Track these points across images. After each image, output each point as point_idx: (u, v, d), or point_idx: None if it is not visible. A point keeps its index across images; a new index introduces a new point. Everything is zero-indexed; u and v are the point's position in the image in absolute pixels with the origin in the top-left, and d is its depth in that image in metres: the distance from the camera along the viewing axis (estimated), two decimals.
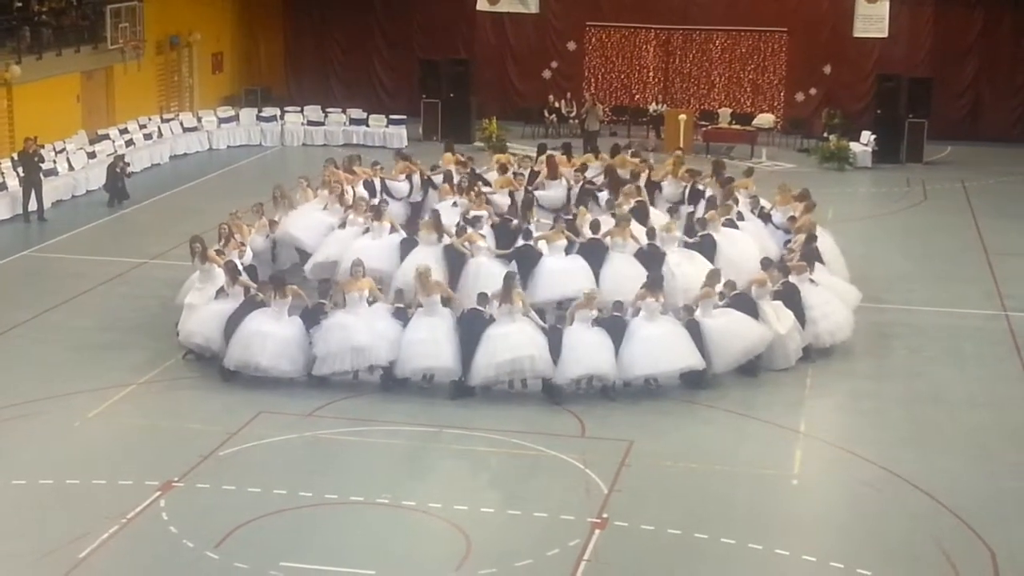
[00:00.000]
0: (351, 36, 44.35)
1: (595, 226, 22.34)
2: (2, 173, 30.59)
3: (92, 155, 33.85)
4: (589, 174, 27.24)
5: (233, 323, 19.43)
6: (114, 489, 15.81)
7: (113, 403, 18.70)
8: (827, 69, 41.53)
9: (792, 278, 21.08)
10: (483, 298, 19.41)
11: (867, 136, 38.15)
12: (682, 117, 37.28)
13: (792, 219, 24.14)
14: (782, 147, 38.35)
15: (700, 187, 25.86)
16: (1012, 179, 36.00)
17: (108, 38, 36.40)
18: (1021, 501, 16.15)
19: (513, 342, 18.89)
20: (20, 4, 34.93)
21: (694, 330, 19.54)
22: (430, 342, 19.00)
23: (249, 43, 45.00)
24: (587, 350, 19.00)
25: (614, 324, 19.36)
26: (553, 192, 26.39)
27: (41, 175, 30.25)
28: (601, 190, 25.85)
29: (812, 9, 41.47)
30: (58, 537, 14.53)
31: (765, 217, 25.17)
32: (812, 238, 22.76)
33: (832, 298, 21.53)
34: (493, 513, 15.43)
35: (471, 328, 19.09)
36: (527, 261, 21.56)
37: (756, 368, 20.18)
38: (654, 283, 19.83)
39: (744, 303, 20.19)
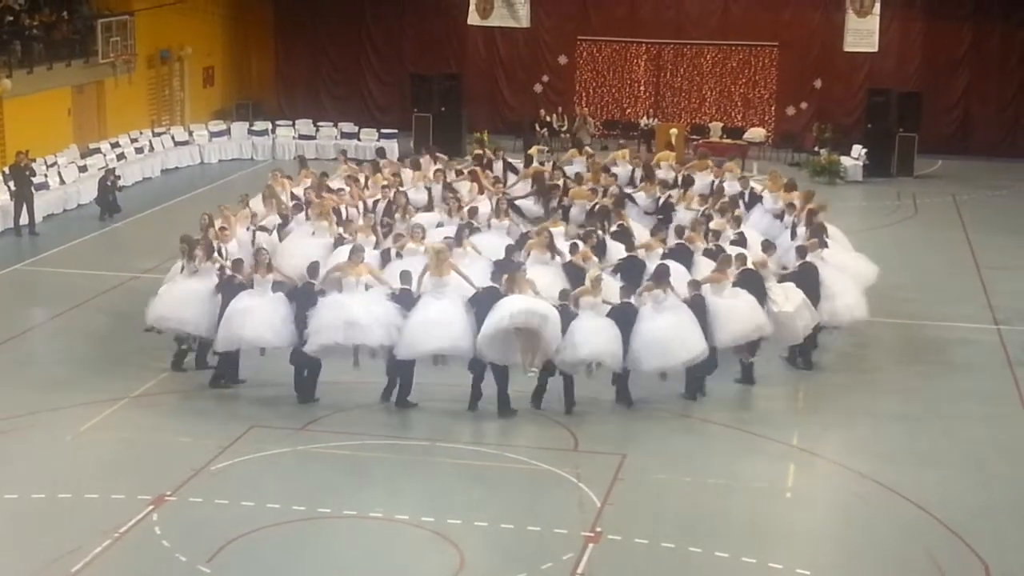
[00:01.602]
0: (342, 50, 44.41)
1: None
2: None
3: (83, 169, 33.84)
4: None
5: (221, 308, 19.33)
6: (106, 503, 15.77)
7: (105, 417, 18.65)
8: (818, 83, 41.65)
9: (809, 257, 21.32)
10: (497, 276, 19.36)
11: (858, 150, 38.27)
12: (673, 131, 37.35)
13: (791, 206, 24.36)
14: (773, 161, 38.39)
15: (672, 201, 26.06)
16: (1002, 193, 36.13)
17: (99, 52, 36.42)
18: (1014, 514, 16.17)
19: (528, 302, 18.67)
20: (11, 18, 34.89)
21: (699, 306, 19.52)
22: (440, 324, 18.81)
23: (240, 57, 45.02)
24: (591, 335, 18.84)
25: (624, 312, 19.27)
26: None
27: (32, 189, 30.21)
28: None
29: (803, 24, 41.59)
30: (50, 551, 14.48)
31: (756, 198, 25.56)
32: (813, 212, 23.23)
33: (846, 276, 21.76)
34: (486, 527, 15.40)
35: (487, 304, 18.87)
36: (633, 272, 21.00)
37: (752, 375, 20.26)
38: (661, 275, 19.75)
39: (751, 279, 20.26)
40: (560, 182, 26.73)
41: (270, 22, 45.10)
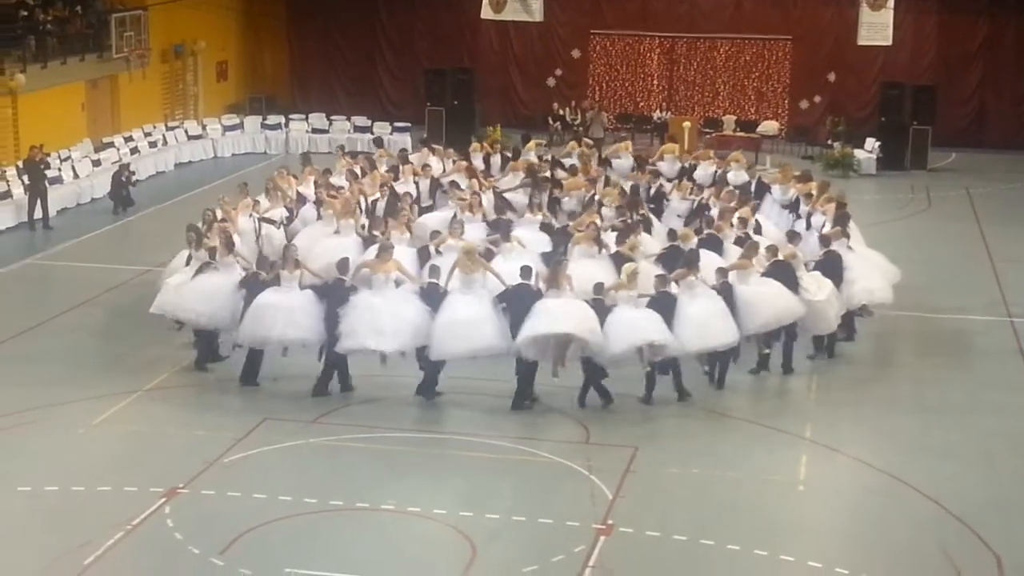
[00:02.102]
0: (355, 44, 44.44)
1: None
2: (7, 181, 30.61)
3: (97, 163, 33.93)
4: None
5: (246, 304, 19.25)
6: (119, 496, 15.80)
7: (118, 410, 18.69)
8: (831, 77, 41.62)
9: (834, 245, 21.52)
10: (527, 272, 19.23)
11: (871, 143, 38.21)
12: (686, 124, 37.27)
13: (808, 196, 24.48)
14: (786, 154, 38.31)
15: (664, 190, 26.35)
16: (1017, 186, 36.05)
17: (113, 47, 36.45)
18: None
19: (571, 309, 18.69)
20: (25, 13, 34.96)
21: (727, 293, 19.63)
22: (470, 324, 18.72)
23: (254, 51, 45.09)
24: (633, 325, 18.81)
25: (664, 301, 19.26)
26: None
27: (46, 183, 30.31)
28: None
29: (816, 17, 41.56)
30: (63, 544, 14.51)
31: (763, 187, 25.77)
32: (842, 204, 23.36)
33: (868, 264, 22.07)
34: (498, 519, 15.40)
35: (520, 301, 18.87)
36: (674, 262, 20.86)
37: (768, 363, 20.35)
38: (691, 260, 19.93)
39: (783, 270, 20.35)
40: (550, 174, 26.92)
41: (283, 16, 45.15)
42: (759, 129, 40.61)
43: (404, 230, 22.07)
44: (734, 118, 41.41)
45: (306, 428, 18.09)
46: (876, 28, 39.25)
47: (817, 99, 41.73)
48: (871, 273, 21.96)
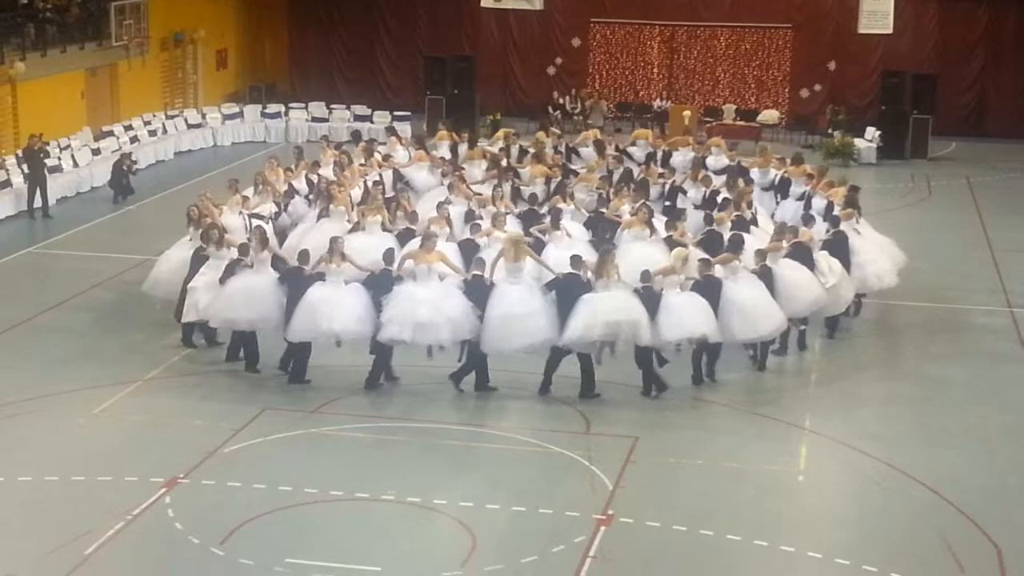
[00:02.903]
0: (355, 32, 44.41)
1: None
2: (7, 170, 30.58)
3: (97, 152, 33.90)
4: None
5: (291, 299, 19.04)
6: (119, 486, 15.81)
7: (118, 400, 18.70)
8: (832, 65, 41.61)
9: (843, 226, 21.81)
10: (577, 261, 19.22)
11: (872, 132, 38.19)
12: (686, 113, 37.30)
13: (809, 177, 25.01)
14: (786, 143, 38.27)
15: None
16: (1017, 175, 36.06)
17: (113, 35, 36.44)
18: None
19: (617, 305, 18.71)
20: (25, 1, 34.92)
21: (767, 277, 19.81)
22: (523, 317, 18.72)
23: (253, 40, 45.04)
24: (686, 316, 18.97)
25: (710, 285, 19.37)
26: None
27: (46, 172, 30.29)
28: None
29: (817, 5, 41.54)
30: (63, 533, 14.52)
31: (742, 170, 25.99)
32: (855, 187, 23.86)
33: (875, 247, 22.45)
34: (498, 509, 15.41)
35: (569, 291, 18.86)
36: (713, 245, 21.19)
37: (766, 356, 20.41)
38: (736, 244, 20.17)
39: (801, 252, 20.61)
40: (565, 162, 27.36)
41: (283, 4, 45.13)
42: (759, 118, 40.60)
43: (444, 224, 21.82)
44: (734, 107, 41.40)
45: (306, 418, 18.09)
46: (877, 16, 39.29)
47: (817, 88, 41.72)
48: (880, 257, 22.37)
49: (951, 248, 28.02)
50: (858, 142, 37.70)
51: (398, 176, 26.28)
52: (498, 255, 19.54)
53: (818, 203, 23.82)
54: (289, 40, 45.34)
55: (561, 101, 41.57)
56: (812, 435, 17.99)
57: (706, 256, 20.10)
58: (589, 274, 19.02)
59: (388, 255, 19.46)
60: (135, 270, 25.04)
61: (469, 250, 21.05)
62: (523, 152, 27.98)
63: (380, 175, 25.76)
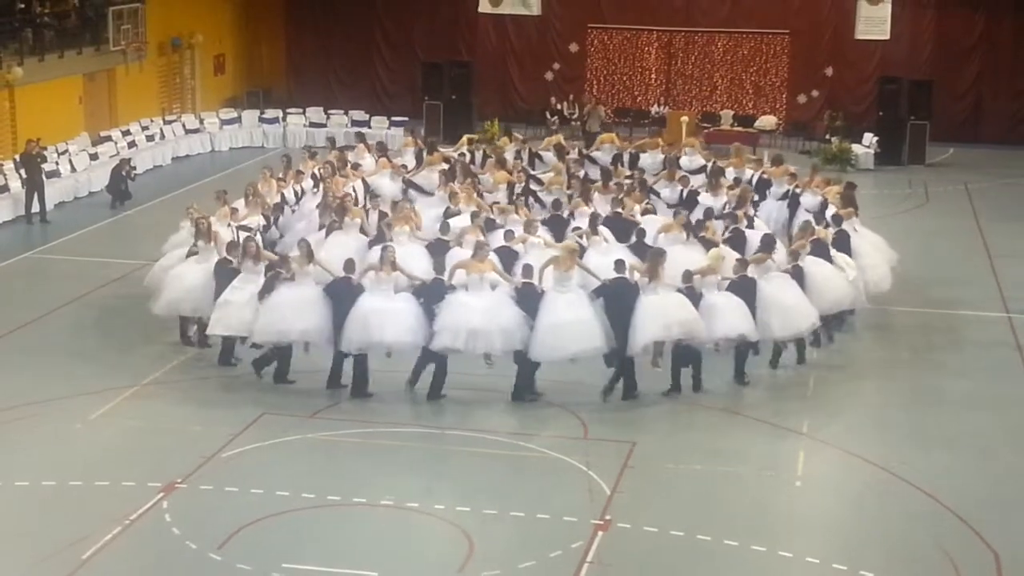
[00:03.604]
0: (353, 38, 44.39)
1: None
2: (4, 175, 30.59)
3: (94, 157, 33.89)
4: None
5: (340, 310, 18.84)
6: (117, 491, 15.80)
7: (116, 405, 18.69)
8: (829, 71, 41.63)
9: (844, 225, 22.26)
10: (621, 265, 19.35)
11: (869, 138, 38.22)
12: (684, 119, 37.30)
13: (792, 176, 25.45)
14: (784, 149, 38.24)
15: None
16: (1014, 181, 36.05)
17: (110, 40, 36.45)
18: None
19: (676, 307, 18.98)
20: (22, 6, 34.93)
21: (799, 276, 20.17)
22: (574, 325, 18.71)
23: (251, 45, 45.05)
24: (725, 312, 19.29)
25: (745, 284, 19.64)
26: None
27: (43, 177, 30.28)
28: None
29: (814, 11, 41.55)
30: (61, 539, 14.51)
31: (718, 171, 26.16)
32: (851, 184, 24.36)
33: (872, 249, 22.85)
34: (496, 515, 15.41)
35: (619, 296, 18.95)
36: (738, 245, 21.84)
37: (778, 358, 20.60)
38: (768, 244, 20.57)
39: (820, 249, 21.05)
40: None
41: (281, 9, 45.13)
42: (757, 124, 40.61)
43: (478, 234, 21.71)
44: (732, 113, 41.37)
45: (304, 423, 18.09)
46: (874, 22, 39.28)
47: (815, 94, 41.73)
48: (879, 260, 22.79)
49: (949, 254, 28.04)
50: (855, 148, 37.70)
51: (366, 185, 26.12)
52: (547, 262, 19.53)
53: (809, 200, 24.31)
54: (287, 45, 45.35)
55: (559, 107, 41.57)
56: (810, 440, 17.99)
57: (742, 256, 20.54)
58: (636, 276, 19.22)
59: (438, 264, 19.46)
60: (132, 275, 25.06)
61: (507, 257, 20.90)
62: (486, 157, 27.95)
63: (352, 185, 25.68)
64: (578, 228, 22.38)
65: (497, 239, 21.59)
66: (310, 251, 19.64)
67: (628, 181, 25.58)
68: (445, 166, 26.54)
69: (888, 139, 37.77)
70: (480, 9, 41.21)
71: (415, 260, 20.62)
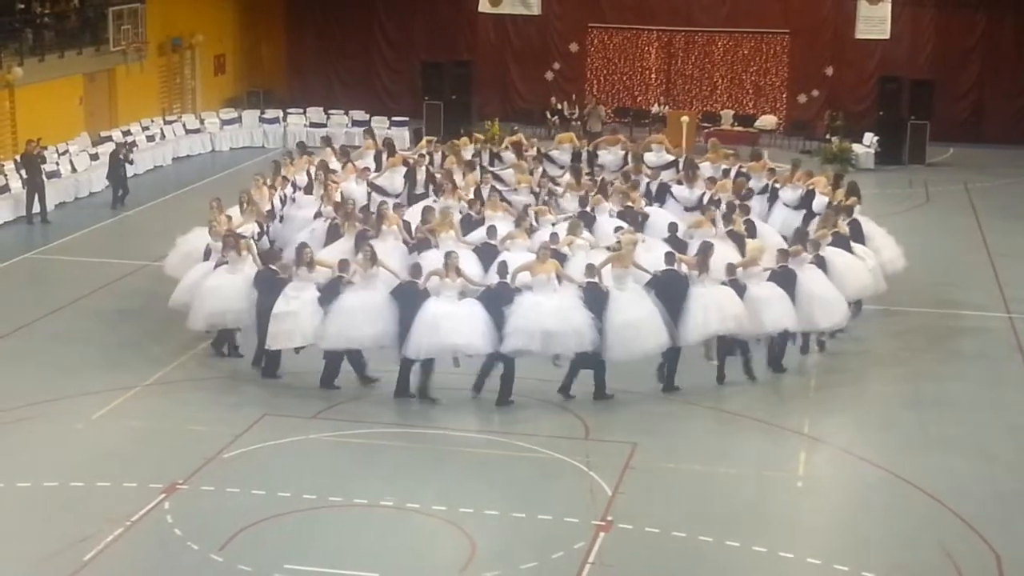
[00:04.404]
0: (353, 37, 44.39)
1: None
2: (5, 175, 30.57)
3: (95, 157, 33.84)
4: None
5: (406, 315, 18.72)
6: (118, 491, 15.81)
7: (117, 405, 18.69)
8: (829, 71, 41.60)
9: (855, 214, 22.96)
10: (671, 258, 19.71)
11: (869, 138, 38.19)
12: (684, 119, 37.23)
13: (771, 172, 26.09)
14: (784, 149, 38.32)
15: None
16: (1015, 181, 36.04)
17: (110, 40, 36.44)
18: None
19: (727, 299, 19.37)
20: (22, 6, 34.92)
21: (822, 265, 20.58)
22: (643, 323, 18.89)
23: (251, 45, 45.02)
24: (769, 304, 19.71)
25: (786, 275, 20.00)
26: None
27: (44, 177, 30.27)
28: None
29: (814, 11, 41.52)
30: (62, 539, 14.53)
31: (692, 164, 26.50)
32: (840, 177, 25.14)
33: (878, 232, 23.69)
34: (497, 516, 15.42)
35: (671, 287, 19.20)
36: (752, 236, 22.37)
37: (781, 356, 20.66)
38: (801, 236, 21.13)
39: (842, 241, 21.58)
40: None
41: (281, 9, 45.12)
42: (757, 123, 40.61)
43: (525, 237, 21.79)
44: (732, 112, 41.39)
45: (305, 424, 18.09)
46: (874, 22, 39.24)
47: (815, 93, 41.71)
48: (888, 240, 23.63)
49: (949, 253, 28.03)
50: (856, 147, 37.67)
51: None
52: (605, 260, 19.69)
53: (789, 195, 24.96)
54: (287, 45, 45.34)
55: (559, 107, 41.56)
56: (811, 441, 18.00)
57: (784, 248, 20.92)
58: (684, 268, 19.51)
59: (502, 267, 19.42)
60: (133, 275, 25.09)
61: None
62: (444, 158, 27.85)
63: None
64: (620, 228, 22.49)
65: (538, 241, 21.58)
66: (374, 254, 19.51)
67: (635, 178, 25.69)
68: (404, 169, 26.67)
69: (888, 139, 37.75)
70: (480, 9, 41.17)
71: (465, 265, 20.32)
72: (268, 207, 24.20)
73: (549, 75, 43.24)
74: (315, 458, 17.14)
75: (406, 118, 40.07)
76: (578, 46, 43.15)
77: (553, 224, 23.08)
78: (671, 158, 28.01)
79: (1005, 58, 40.82)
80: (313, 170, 26.34)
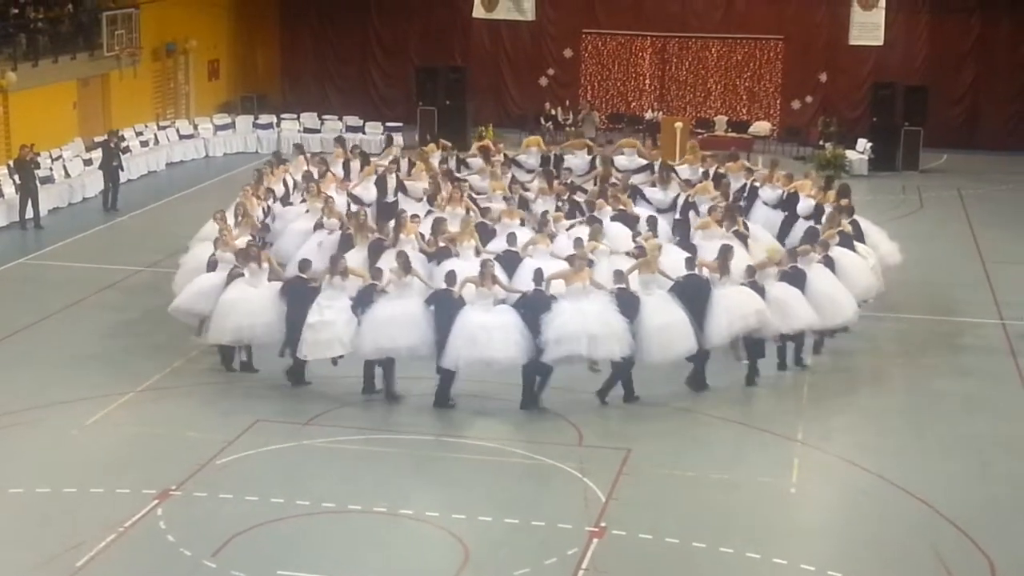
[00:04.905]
0: (347, 43, 44.41)
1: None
2: None
3: (88, 162, 33.82)
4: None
5: (441, 325, 18.65)
6: (111, 497, 15.79)
7: (110, 411, 18.66)
8: (823, 77, 41.64)
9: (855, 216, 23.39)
10: (691, 262, 19.88)
11: (863, 144, 38.21)
12: (678, 125, 37.23)
13: (749, 171, 26.50)
14: (778, 155, 38.23)
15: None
16: (1009, 187, 36.09)
17: (104, 45, 36.40)
18: (1019, 509, 16.16)
19: (748, 299, 19.59)
20: (16, 11, 34.89)
21: (830, 265, 20.87)
22: (673, 326, 19.05)
23: (245, 50, 45.01)
24: (788, 304, 19.95)
25: (797, 275, 20.26)
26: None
27: (37, 182, 30.21)
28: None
29: (808, 17, 41.55)
30: (55, 545, 14.50)
31: (667, 167, 26.69)
32: (830, 179, 25.63)
33: (873, 229, 24.24)
34: (491, 522, 15.40)
35: (695, 291, 19.35)
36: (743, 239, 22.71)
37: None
38: (811, 236, 21.54)
39: (846, 241, 21.96)
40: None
41: (275, 15, 45.12)
42: (751, 129, 40.65)
43: (547, 243, 21.74)
44: (726, 118, 41.44)
45: (298, 430, 18.07)
46: (867, 28, 39.26)
47: (809, 99, 41.75)
48: (881, 236, 24.10)
49: (942, 260, 28.03)
50: (849, 154, 37.69)
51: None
52: (633, 266, 19.82)
53: (768, 194, 25.25)
54: (281, 51, 45.34)
55: (553, 112, 41.59)
56: (804, 447, 17.99)
57: (794, 248, 21.16)
58: (706, 272, 19.70)
59: (537, 275, 19.22)
60: (127, 281, 25.07)
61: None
62: (411, 165, 27.75)
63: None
64: (640, 233, 22.73)
65: (561, 248, 21.72)
66: (407, 263, 19.44)
67: (616, 181, 25.76)
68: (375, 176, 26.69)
69: (882, 145, 37.77)
70: (474, 14, 41.16)
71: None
72: (261, 217, 24.15)
73: (543, 81, 43.27)
74: (308, 464, 17.11)
75: (400, 124, 40.05)
76: (572, 52, 43.17)
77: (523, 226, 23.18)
78: (643, 162, 28.17)
79: (999, 64, 40.86)
80: (290, 179, 26.30)
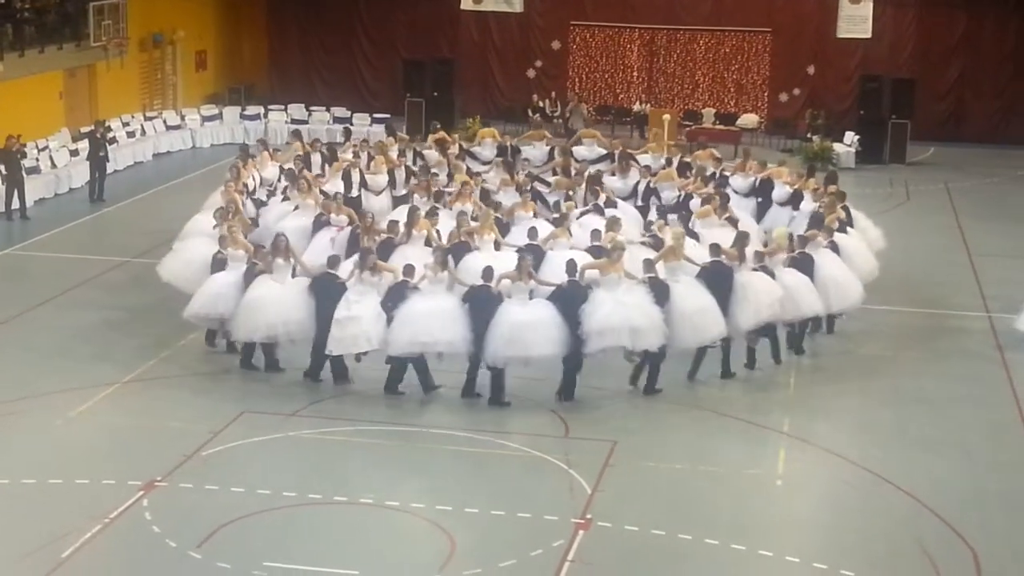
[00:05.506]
0: (335, 35, 44.34)
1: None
2: None
3: (75, 153, 33.73)
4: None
5: (478, 320, 18.48)
6: (97, 489, 15.75)
7: (96, 402, 18.63)
8: (811, 70, 41.68)
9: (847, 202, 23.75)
10: (716, 249, 19.91)
11: (850, 137, 38.27)
12: (666, 117, 37.22)
13: (717, 160, 26.68)
14: (766, 147, 38.30)
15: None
16: (995, 180, 36.16)
17: (91, 35, 36.28)
18: (1003, 501, 16.21)
19: (771, 286, 19.85)
20: (2, 1, 34.75)
21: (836, 250, 21.25)
22: (704, 311, 19.20)
23: (233, 41, 44.93)
24: (798, 290, 20.22)
25: (805, 261, 20.49)
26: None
27: (24, 173, 30.14)
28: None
29: (796, 10, 41.57)
30: (40, 537, 14.46)
31: (626, 156, 26.86)
32: (814, 169, 26.54)
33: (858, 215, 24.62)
34: (477, 513, 15.40)
35: (720, 279, 19.48)
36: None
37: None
38: (818, 221, 21.76)
39: (841, 226, 22.31)
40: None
41: (263, 6, 45.03)
42: (739, 122, 40.63)
43: (567, 236, 21.65)
44: (713, 111, 41.43)
45: (284, 421, 18.05)
46: (855, 21, 39.38)
47: (796, 92, 41.78)
48: (867, 222, 24.51)
49: (929, 253, 28.09)
50: (837, 147, 37.74)
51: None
52: (659, 255, 19.84)
53: (739, 183, 25.53)
54: (268, 42, 45.25)
55: (541, 104, 41.56)
56: (791, 439, 18.02)
57: (804, 234, 21.30)
58: (725, 259, 19.80)
59: (570, 265, 19.17)
60: (113, 272, 25.01)
61: (598, 256, 20.53)
62: (371, 159, 27.39)
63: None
64: (652, 222, 22.82)
65: (579, 240, 21.74)
66: (444, 258, 19.33)
67: (594, 172, 25.91)
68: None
69: (869, 138, 37.85)
70: (462, 6, 41.20)
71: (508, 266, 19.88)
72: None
73: (531, 73, 43.25)
74: (294, 455, 17.11)
75: (387, 115, 39.88)
76: (560, 44, 43.15)
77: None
78: (603, 151, 28.40)
79: (986, 58, 40.94)
80: (258, 175, 26.09)
